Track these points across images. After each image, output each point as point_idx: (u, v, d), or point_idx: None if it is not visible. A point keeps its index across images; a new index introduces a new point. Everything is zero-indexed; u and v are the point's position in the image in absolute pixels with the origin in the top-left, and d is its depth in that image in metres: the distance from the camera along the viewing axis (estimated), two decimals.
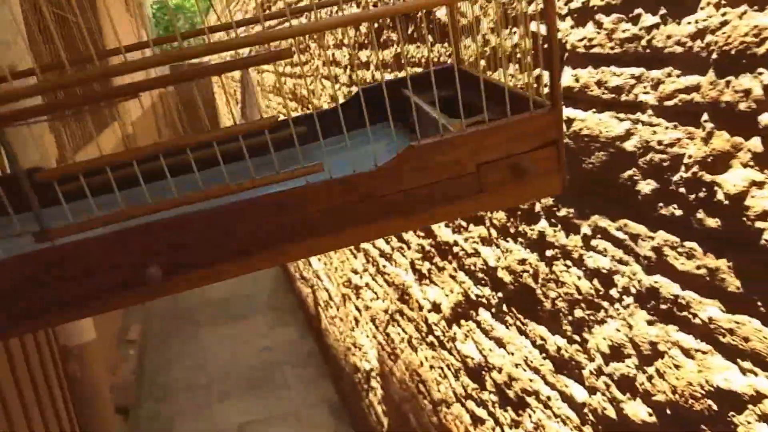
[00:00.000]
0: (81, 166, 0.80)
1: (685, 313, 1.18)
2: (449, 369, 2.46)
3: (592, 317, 1.45)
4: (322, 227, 0.90)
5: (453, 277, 2.23)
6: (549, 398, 1.73)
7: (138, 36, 12.32)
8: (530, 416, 1.86)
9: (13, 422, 2.23)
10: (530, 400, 1.84)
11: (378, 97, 1.18)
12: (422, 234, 2.45)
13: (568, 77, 1.40)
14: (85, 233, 0.80)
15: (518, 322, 1.82)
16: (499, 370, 1.99)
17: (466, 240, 2.03)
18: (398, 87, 1.24)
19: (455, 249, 2.14)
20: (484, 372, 2.13)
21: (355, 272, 3.91)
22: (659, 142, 1.17)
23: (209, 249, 0.86)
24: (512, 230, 1.72)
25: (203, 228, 0.85)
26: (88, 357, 2.80)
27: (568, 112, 1.40)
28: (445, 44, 1.93)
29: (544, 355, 1.71)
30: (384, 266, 3.18)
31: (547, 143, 0.92)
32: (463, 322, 2.23)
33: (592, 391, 1.52)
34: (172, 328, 6.22)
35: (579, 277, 1.46)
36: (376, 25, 2.45)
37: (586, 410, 1.56)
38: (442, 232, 2.22)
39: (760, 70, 0.93)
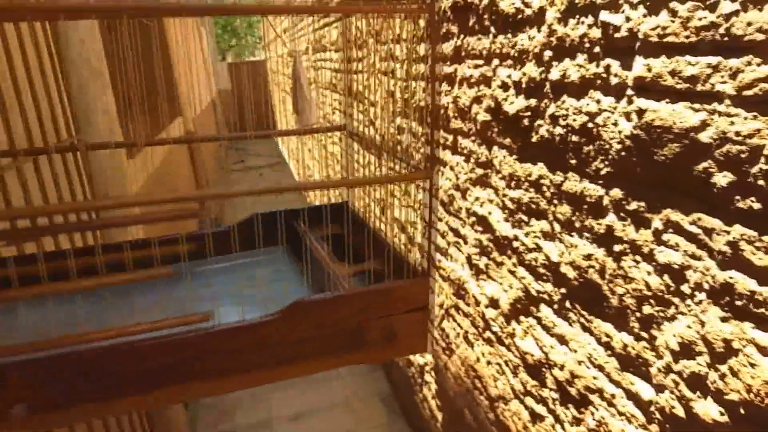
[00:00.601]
0: None
1: (762, 310, 1.14)
2: (507, 365, 2.44)
3: (661, 314, 1.42)
4: (210, 371, 0.92)
5: (512, 273, 2.21)
6: (613, 396, 1.70)
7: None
8: (593, 414, 1.83)
9: None
10: (593, 397, 1.81)
11: (274, 223, 1.31)
12: (480, 229, 2.44)
13: (639, 67, 1.36)
14: None
15: (582, 319, 1.79)
16: (561, 368, 1.97)
17: (527, 235, 2.01)
18: (294, 217, 1.34)
19: (515, 244, 2.12)
20: (544, 369, 2.10)
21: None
22: (737, 133, 1.13)
23: (87, 387, 0.84)
24: (577, 224, 1.69)
25: (79, 367, 0.84)
26: None
27: (640, 102, 1.37)
28: (507, 36, 1.91)
29: (609, 352, 1.68)
30: (439, 261, 3.18)
31: (419, 307, 1.03)
32: (522, 318, 2.21)
33: (659, 389, 1.48)
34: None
35: (649, 273, 1.43)
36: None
37: (652, 408, 1.53)
38: (501, 226, 2.20)
39: None
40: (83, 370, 0.85)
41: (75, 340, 0.84)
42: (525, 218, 2.00)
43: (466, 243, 2.67)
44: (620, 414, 1.68)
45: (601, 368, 1.74)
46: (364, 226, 1.30)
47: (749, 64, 1.09)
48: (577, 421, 1.93)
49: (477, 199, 2.36)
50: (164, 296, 1.14)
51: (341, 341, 1.01)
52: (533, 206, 1.92)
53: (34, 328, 0.87)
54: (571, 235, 1.73)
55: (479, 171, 2.27)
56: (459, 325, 3.05)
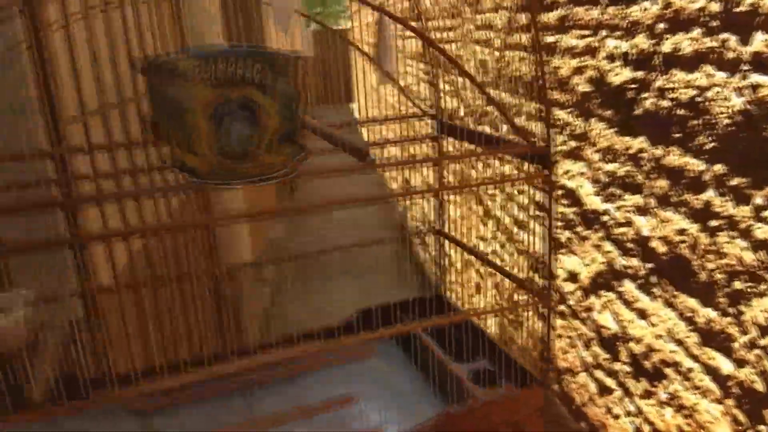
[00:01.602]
0: None
1: None
2: (580, 338, 2.48)
3: (752, 290, 1.43)
4: None
5: (597, 247, 2.24)
6: (690, 370, 1.72)
7: None
8: (666, 387, 1.85)
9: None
10: (668, 371, 1.84)
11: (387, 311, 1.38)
12: (566, 202, 2.46)
13: (758, 42, 1.37)
14: None
15: (666, 294, 1.81)
16: (638, 341, 1.99)
17: (618, 209, 2.03)
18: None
19: (603, 218, 2.15)
20: (619, 343, 2.13)
21: (483, 239, 3.97)
22: None
23: None
24: (674, 199, 1.71)
25: None
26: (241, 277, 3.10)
27: (755, 78, 1.37)
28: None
29: (691, 327, 1.70)
30: (516, 233, 3.21)
31: (537, 409, 1.14)
32: (602, 292, 2.24)
33: (740, 364, 1.50)
34: (301, 277, 6.62)
35: (743, 249, 1.44)
36: None
37: (730, 383, 1.55)
38: (592, 200, 2.23)
39: None
40: None
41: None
42: (618, 192, 2.02)
43: (549, 216, 2.70)
44: (695, 388, 1.71)
45: (680, 342, 1.76)
46: (466, 322, 1.41)
47: None
48: (648, 394, 1.96)
49: (566, 172, 2.39)
50: (291, 398, 1.20)
51: None
52: (628, 180, 1.94)
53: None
54: (666, 210, 1.75)
55: (572, 144, 2.30)
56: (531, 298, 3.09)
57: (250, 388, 1.09)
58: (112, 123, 1.62)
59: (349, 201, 1.08)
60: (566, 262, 2.53)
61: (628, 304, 2.05)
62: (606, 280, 2.19)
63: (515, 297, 1.55)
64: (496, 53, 3.25)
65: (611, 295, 2.16)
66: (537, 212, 1.82)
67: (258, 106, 0.87)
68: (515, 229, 2.79)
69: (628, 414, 2.11)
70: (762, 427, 1.45)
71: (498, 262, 1.80)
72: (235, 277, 3.10)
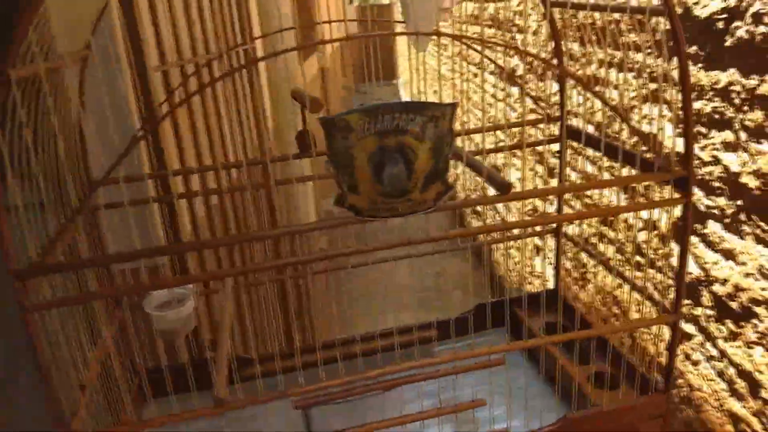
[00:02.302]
0: None
1: None
2: (656, 288, 2.44)
3: None
4: None
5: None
6: None
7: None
8: (755, 326, 1.82)
9: None
10: (759, 309, 1.80)
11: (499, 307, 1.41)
12: (644, 148, 2.42)
13: None
14: None
15: (758, 230, 1.77)
16: (723, 282, 1.96)
17: (703, 149, 1.99)
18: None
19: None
20: (701, 287, 2.10)
21: (545, 200, 3.93)
22: None
23: None
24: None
25: None
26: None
27: None
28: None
29: None
30: (641, 243, 3.17)
31: (660, 414, 1.14)
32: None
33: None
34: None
35: None
36: None
37: None
38: (671, 142, 2.18)
39: None
40: None
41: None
42: (703, 130, 1.97)
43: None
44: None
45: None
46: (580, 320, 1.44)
47: None
48: (733, 336, 1.93)
49: (644, 117, 2.34)
50: (420, 400, 1.25)
51: None
52: (716, 116, 1.89)
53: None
54: (760, 143, 1.71)
55: (652, 86, 2.25)
56: (601, 253, 3.06)
57: (386, 388, 1.15)
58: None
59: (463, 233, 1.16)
60: (643, 212, 2.50)
61: (712, 245, 2.01)
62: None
63: (640, 308, 1.55)
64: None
65: (693, 239, 2.13)
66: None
67: (412, 150, 0.97)
68: (639, 237, 2.76)
69: (710, 359, 2.08)
70: None
71: (619, 266, 1.81)
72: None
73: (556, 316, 1.38)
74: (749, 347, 1.87)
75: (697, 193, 2.06)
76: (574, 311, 1.49)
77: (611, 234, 2.77)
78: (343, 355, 1.24)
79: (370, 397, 1.21)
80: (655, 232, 2.27)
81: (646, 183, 2.07)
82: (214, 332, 2.38)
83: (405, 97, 14.35)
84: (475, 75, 5.74)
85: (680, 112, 1.30)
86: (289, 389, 1.03)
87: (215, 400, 0.96)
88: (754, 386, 1.87)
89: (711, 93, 1.90)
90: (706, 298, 2.07)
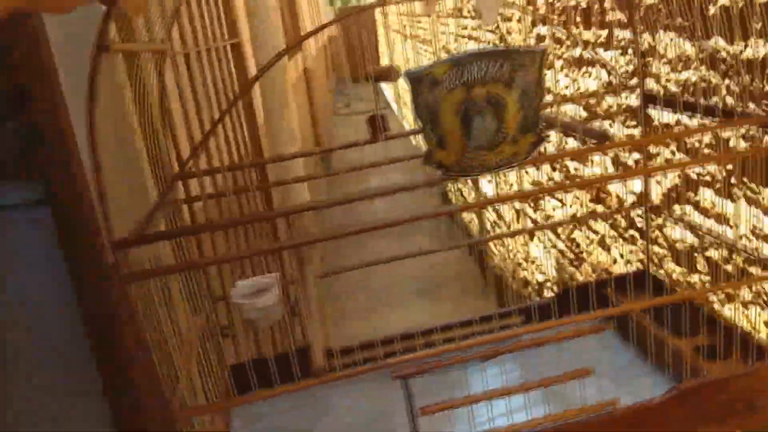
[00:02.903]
0: None
1: None
2: (651, 260, 2.50)
3: None
4: None
5: (668, 162, 2.25)
6: None
7: None
8: (750, 285, 1.87)
9: None
10: (753, 269, 1.85)
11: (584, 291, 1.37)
12: (633, 124, 2.47)
13: None
14: None
15: (749, 192, 1.82)
16: (717, 246, 2.01)
17: (692, 117, 2.04)
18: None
19: (676, 130, 2.16)
20: (696, 254, 2.15)
21: (536, 183, 3.99)
22: None
23: None
24: (756, 92, 1.71)
25: None
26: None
27: None
28: None
29: None
30: (576, 169, 3.23)
31: None
32: (675, 207, 2.25)
33: None
34: (347, 238, 6.71)
35: None
36: None
37: None
38: (658, 114, 2.23)
39: None
40: None
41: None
42: (692, 99, 2.02)
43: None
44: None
45: (766, 238, 1.77)
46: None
47: None
48: (729, 299, 1.98)
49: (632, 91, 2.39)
50: (522, 371, 1.25)
51: (705, 414, 1.11)
52: (704, 84, 1.94)
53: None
54: (747, 106, 1.76)
55: (636, 62, 2.30)
56: (594, 231, 3.12)
57: (487, 356, 1.16)
58: None
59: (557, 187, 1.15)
60: (634, 185, 2.55)
61: (704, 212, 2.07)
62: (679, 194, 2.20)
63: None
64: None
65: (686, 208, 2.18)
66: None
67: (501, 100, 0.94)
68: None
69: None
70: None
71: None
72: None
73: (645, 297, 1.34)
74: (746, 307, 1.93)
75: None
76: (665, 292, 1.44)
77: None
78: (423, 344, 1.23)
79: (454, 372, 1.20)
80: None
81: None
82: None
83: (389, 97, 14.36)
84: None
85: None
86: (385, 362, 1.04)
87: (315, 372, 0.97)
88: None
89: (696, 63, 1.95)
90: (700, 264, 2.12)
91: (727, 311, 1.78)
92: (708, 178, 2.02)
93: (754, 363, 1.13)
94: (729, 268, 1.93)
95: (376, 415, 1.13)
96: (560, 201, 3.57)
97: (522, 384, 1.04)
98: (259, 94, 3.47)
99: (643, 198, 1.73)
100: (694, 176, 2.10)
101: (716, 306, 1.93)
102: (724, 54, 1.79)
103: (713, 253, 2.04)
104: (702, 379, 1.09)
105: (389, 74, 1.29)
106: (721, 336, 1.23)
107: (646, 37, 2.21)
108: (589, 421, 1.02)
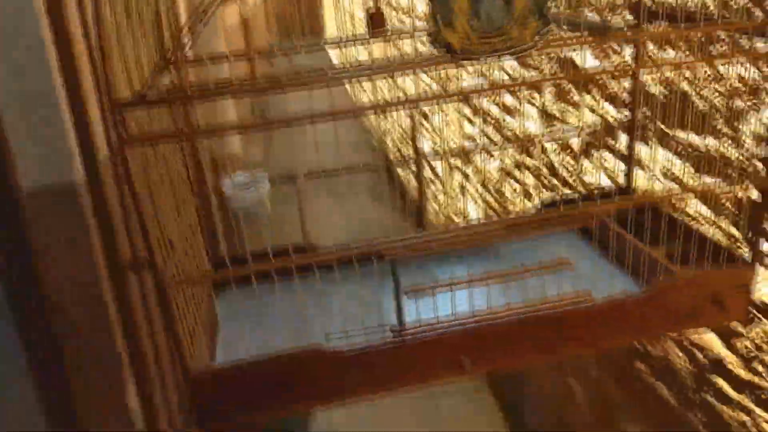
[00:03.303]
0: None
1: None
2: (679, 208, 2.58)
3: (752, 107, 1.53)
4: (568, 338, 1.13)
5: (591, 110, 2.33)
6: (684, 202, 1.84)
7: None
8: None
9: None
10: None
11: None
12: (561, 73, 2.53)
13: None
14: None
15: (662, 135, 1.91)
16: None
17: (612, 63, 2.11)
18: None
19: (597, 78, 2.23)
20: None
21: (470, 138, 4.05)
22: None
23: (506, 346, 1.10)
24: (674, 37, 1.78)
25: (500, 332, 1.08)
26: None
27: None
28: None
29: (684, 161, 1.82)
30: (505, 121, 3.29)
31: (742, 286, 1.18)
32: (594, 153, 2.34)
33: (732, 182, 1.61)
34: (284, 199, 6.64)
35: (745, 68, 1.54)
36: None
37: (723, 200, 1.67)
38: (581, 61, 2.29)
39: None
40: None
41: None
42: (616, 47, 2.09)
43: (540, 93, 2.78)
44: (688, 216, 1.83)
45: (676, 179, 1.87)
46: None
47: None
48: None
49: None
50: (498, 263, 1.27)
51: (678, 313, 1.20)
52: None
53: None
54: (665, 51, 1.83)
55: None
56: (519, 183, 3.21)
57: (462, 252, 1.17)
58: None
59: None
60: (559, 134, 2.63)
61: (622, 158, 2.16)
62: (599, 140, 2.29)
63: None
64: None
65: (605, 155, 2.27)
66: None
67: None
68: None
69: None
70: None
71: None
72: None
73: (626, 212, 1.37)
74: None
75: (609, 108, 2.19)
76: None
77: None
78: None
79: (438, 269, 1.20)
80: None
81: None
82: None
83: (332, 54, 14.11)
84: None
85: None
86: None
87: (308, 247, 0.95)
88: None
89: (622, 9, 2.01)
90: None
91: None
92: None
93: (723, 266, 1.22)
94: None
95: (371, 298, 1.15)
96: (491, 154, 3.65)
97: (502, 272, 1.07)
98: None
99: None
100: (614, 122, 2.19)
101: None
102: None
103: None
104: (674, 278, 1.15)
105: (381, 21, 1.24)
106: (694, 243, 1.28)
107: None
108: (565, 312, 1.08)
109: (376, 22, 1.28)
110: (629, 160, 1.56)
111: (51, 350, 1.28)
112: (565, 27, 1.07)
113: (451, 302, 1.03)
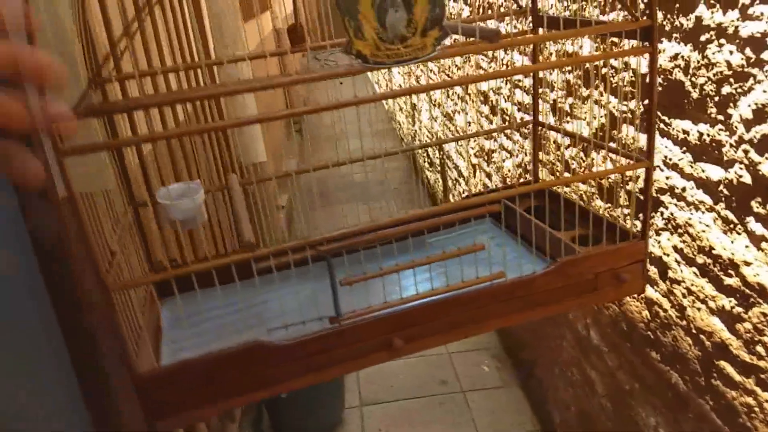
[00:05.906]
0: None
1: None
2: (582, 198, 2.63)
3: (739, 90, 1.56)
4: (487, 315, 1.21)
5: (597, 103, 2.36)
6: (684, 189, 1.87)
7: None
8: (662, 213, 2.01)
9: None
10: (664, 197, 1.99)
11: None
12: (569, 69, 2.58)
13: None
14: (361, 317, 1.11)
15: (661, 124, 1.94)
16: (636, 180, 2.14)
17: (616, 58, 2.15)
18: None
19: (604, 70, 2.27)
20: (618, 188, 2.28)
21: (490, 137, 4.10)
22: None
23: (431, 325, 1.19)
24: (668, 27, 1.82)
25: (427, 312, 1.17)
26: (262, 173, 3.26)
27: None
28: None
29: (684, 149, 1.85)
30: (522, 118, 3.34)
31: (637, 260, 1.28)
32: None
33: (729, 165, 1.64)
34: (315, 202, 6.79)
35: (731, 52, 1.57)
36: None
37: (720, 187, 1.70)
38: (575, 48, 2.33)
39: None
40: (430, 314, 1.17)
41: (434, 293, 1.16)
42: (616, 39, 2.13)
43: (552, 90, 2.82)
44: (688, 204, 1.86)
45: (675, 167, 1.90)
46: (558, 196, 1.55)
47: None
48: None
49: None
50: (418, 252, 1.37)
51: (581, 287, 1.27)
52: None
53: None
54: (660, 41, 1.87)
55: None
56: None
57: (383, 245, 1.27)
58: None
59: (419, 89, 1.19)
60: (568, 128, 2.66)
61: (627, 147, 2.19)
62: (606, 132, 2.32)
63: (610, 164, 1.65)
64: None
65: (611, 145, 2.29)
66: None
67: None
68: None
69: None
70: (749, 219, 1.61)
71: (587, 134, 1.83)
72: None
73: (538, 200, 1.47)
74: (658, 234, 2.07)
75: (613, 101, 2.23)
76: (557, 197, 1.58)
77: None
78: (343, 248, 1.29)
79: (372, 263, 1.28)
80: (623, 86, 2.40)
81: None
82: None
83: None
84: None
85: None
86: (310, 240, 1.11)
87: (245, 245, 1.03)
88: (663, 270, 2.07)
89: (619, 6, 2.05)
90: (623, 198, 2.26)
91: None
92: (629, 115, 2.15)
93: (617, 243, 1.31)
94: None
95: (310, 294, 1.24)
96: (509, 152, 3.69)
97: (426, 258, 1.16)
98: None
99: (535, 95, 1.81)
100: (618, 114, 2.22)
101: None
102: None
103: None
104: (576, 255, 1.23)
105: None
106: (593, 226, 1.38)
107: None
108: (480, 291, 1.16)
109: (294, 37, 1.38)
110: (534, 152, 1.70)
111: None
112: (462, 36, 1.16)
113: (383, 290, 1.11)
